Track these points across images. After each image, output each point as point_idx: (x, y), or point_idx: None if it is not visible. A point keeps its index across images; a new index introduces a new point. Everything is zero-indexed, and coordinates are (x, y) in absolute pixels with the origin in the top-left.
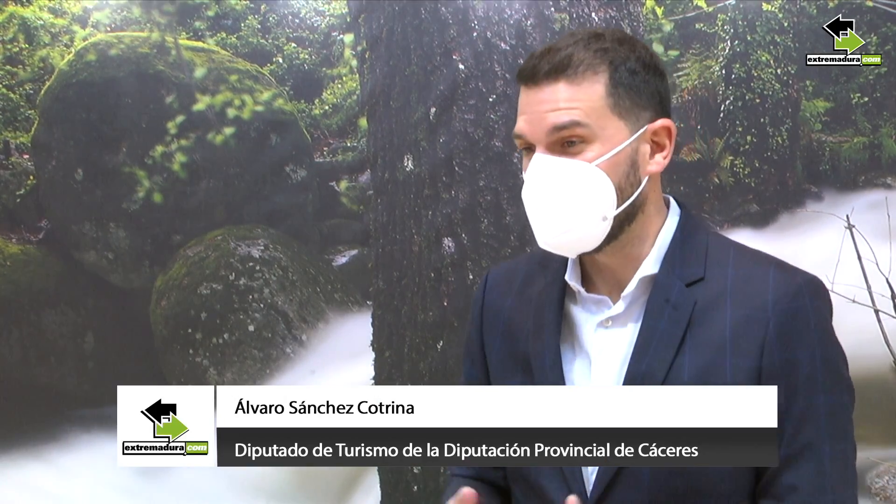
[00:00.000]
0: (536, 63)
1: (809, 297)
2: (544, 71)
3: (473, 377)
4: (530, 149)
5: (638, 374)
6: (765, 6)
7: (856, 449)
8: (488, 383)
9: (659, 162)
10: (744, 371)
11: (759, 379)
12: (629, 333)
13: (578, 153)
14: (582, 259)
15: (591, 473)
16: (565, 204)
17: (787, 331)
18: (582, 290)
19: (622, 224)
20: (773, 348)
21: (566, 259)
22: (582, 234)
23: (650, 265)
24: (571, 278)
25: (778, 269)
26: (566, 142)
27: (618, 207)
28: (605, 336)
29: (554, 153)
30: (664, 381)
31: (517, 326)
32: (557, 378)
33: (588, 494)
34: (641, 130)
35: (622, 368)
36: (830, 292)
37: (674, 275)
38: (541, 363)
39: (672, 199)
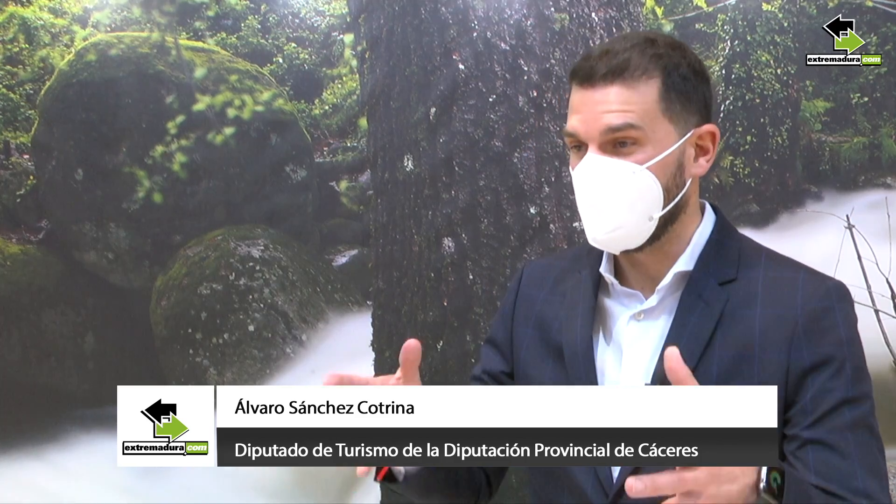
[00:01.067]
0: (594, 65)
1: (837, 299)
2: (601, 73)
3: (491, 359)
4: (579, 147)
5: None
6: (765, 6)
7: (883, 447)
8: (506, 370)
9: (702, 165)
10: (772, 365)
11: (786, 373)
12: (660, 326)
13: (629, 154)
14: (617, 255)
15: None
16: (616, 203)
17: (816, 329)
18: (616, 282)
19: (665, 224)
20: (802, 345)
21: (601, 256)
22: (630, 231)
23: (685, 262)
24: (606, 271)
25: (807, 273)
26: (618, 142)
27: (664, 208)
28: (636, 328)
29: (606, 153)
30: (694, 373)
31: (550, 317)
32: (589, 366)
33: (614, 479)
34: (689, 134)
35: (653, 360)
36: None
37: (708, 273)
38: (572, 351)
39: (707, 203)
